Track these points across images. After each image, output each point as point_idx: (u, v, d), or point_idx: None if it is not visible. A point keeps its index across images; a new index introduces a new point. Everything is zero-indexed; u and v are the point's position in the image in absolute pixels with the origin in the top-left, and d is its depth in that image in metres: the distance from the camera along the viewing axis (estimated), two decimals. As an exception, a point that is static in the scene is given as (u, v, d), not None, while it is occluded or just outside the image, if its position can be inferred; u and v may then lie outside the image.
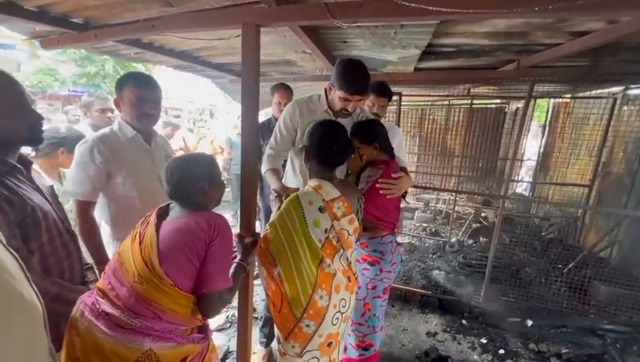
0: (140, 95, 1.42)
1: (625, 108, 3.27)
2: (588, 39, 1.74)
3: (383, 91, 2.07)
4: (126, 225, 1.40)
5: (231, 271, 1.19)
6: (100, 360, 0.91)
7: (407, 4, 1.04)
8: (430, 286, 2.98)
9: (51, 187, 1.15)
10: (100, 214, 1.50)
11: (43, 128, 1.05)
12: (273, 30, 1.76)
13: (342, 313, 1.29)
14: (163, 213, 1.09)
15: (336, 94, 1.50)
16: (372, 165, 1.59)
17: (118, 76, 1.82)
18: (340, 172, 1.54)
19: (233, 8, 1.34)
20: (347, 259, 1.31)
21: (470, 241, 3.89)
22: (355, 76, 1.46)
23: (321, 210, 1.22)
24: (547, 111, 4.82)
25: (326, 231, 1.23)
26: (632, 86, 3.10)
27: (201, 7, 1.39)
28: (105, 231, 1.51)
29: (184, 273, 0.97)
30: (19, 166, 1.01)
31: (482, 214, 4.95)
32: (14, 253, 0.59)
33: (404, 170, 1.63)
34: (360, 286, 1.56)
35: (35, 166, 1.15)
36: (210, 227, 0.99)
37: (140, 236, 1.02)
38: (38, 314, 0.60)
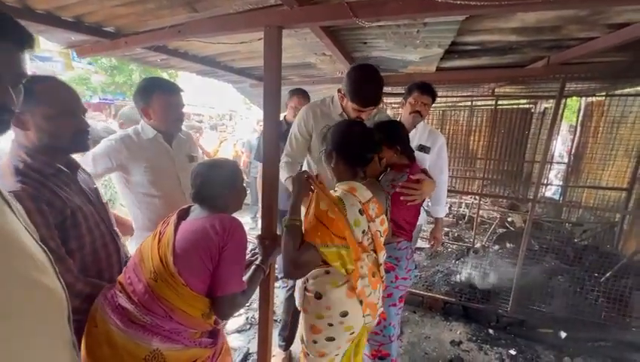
0: (172, 101, 1.48)
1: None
2: (627, 32, 1.62)
3: (428, 89, 1.90)
4: (147, 224, 1.46)
5: (249, 273, 1.19)
6: (111, 353, 0.92)
7: (433, -1, 1.01)
8: (454, 293, 2.86)
9: (96, 189, 1.18)
10: (129, 212, 1.56)
11: (89, 136, 1.07)
12: (294, 33, 1.77)
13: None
14: (184, 215, 1.11)
15: (349, 105, 1.45)
16: (392, 168, 1.53)
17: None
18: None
19: (256, 11, 1.36)
20: (375, 260, 1.27)
21: (496, 247, 3.72)
22: (368, 88, 1.39)
23: (360, 212, 1.18)
24: (578, 111, 4.56)
25: (363, 233, 1.20)
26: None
27: (225, 12, 1.42)
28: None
29: (196, 274, 0.98)
30: (64, 169, 1.05)
31: (508, 219, 4.73)
32: (44, 247, 0.62)
33: (425, 171, 1.54)
34: None
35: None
36: (225, 230, 0.99)
37: (159, 234, 1.04)
38: (61, 305, 0.62)
